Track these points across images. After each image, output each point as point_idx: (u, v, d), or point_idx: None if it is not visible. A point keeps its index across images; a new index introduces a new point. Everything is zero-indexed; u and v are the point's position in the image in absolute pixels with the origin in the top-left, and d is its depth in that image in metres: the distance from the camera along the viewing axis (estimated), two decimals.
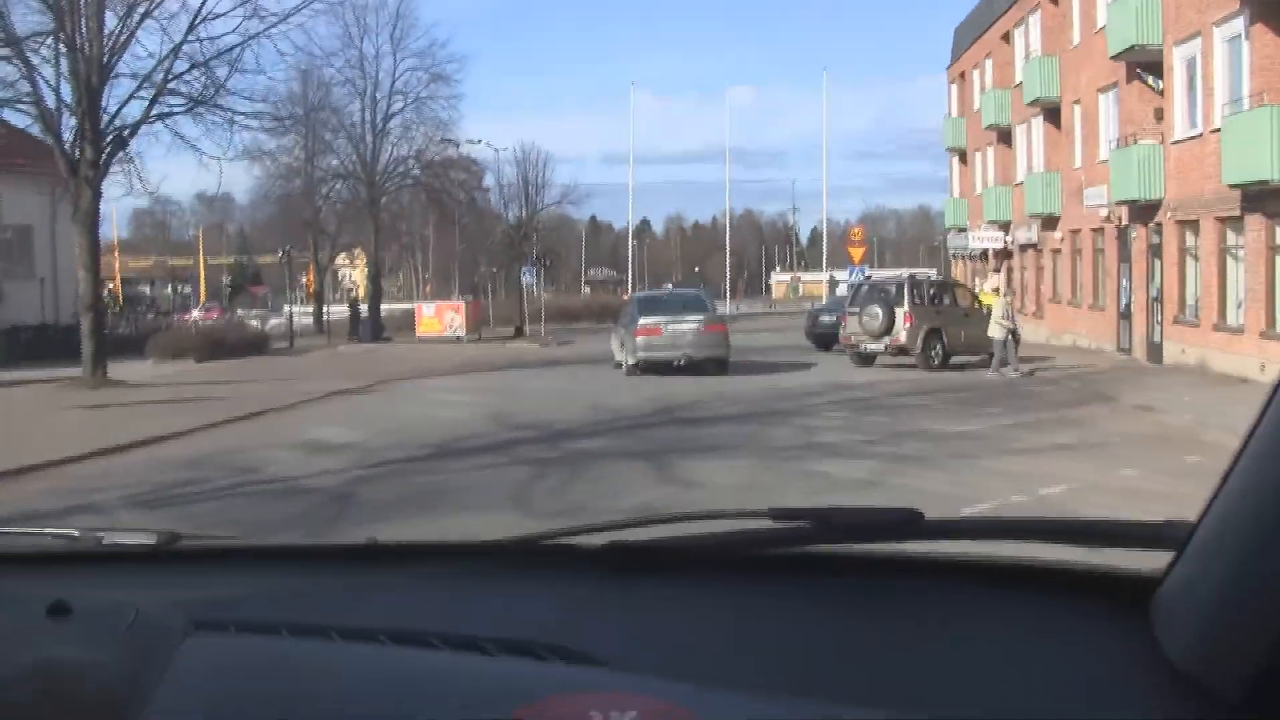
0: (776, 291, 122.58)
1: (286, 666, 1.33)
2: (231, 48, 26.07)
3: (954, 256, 56.21)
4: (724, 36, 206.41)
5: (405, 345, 45.58)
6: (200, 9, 25.42)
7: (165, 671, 1.27)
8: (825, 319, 36.39)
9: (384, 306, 53.90)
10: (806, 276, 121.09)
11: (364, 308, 51.71)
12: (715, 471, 13.14)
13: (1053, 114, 37.75)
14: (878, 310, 28.38)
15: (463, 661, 1.30)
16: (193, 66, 26.04)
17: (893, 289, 29.76)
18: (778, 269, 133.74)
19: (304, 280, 60.78)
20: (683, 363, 27.19)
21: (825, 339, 35.78)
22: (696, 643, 1.39)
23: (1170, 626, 1.15)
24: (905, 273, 34.65)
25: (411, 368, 32.38)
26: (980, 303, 31.60)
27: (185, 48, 25.73)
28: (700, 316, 28.30)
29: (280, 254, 54.98)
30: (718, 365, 27.56)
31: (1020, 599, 1.40)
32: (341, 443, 16.98)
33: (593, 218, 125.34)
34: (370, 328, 49.49)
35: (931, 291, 30.65)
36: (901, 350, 28.43)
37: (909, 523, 1.43)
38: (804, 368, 29.98)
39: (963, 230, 52.40)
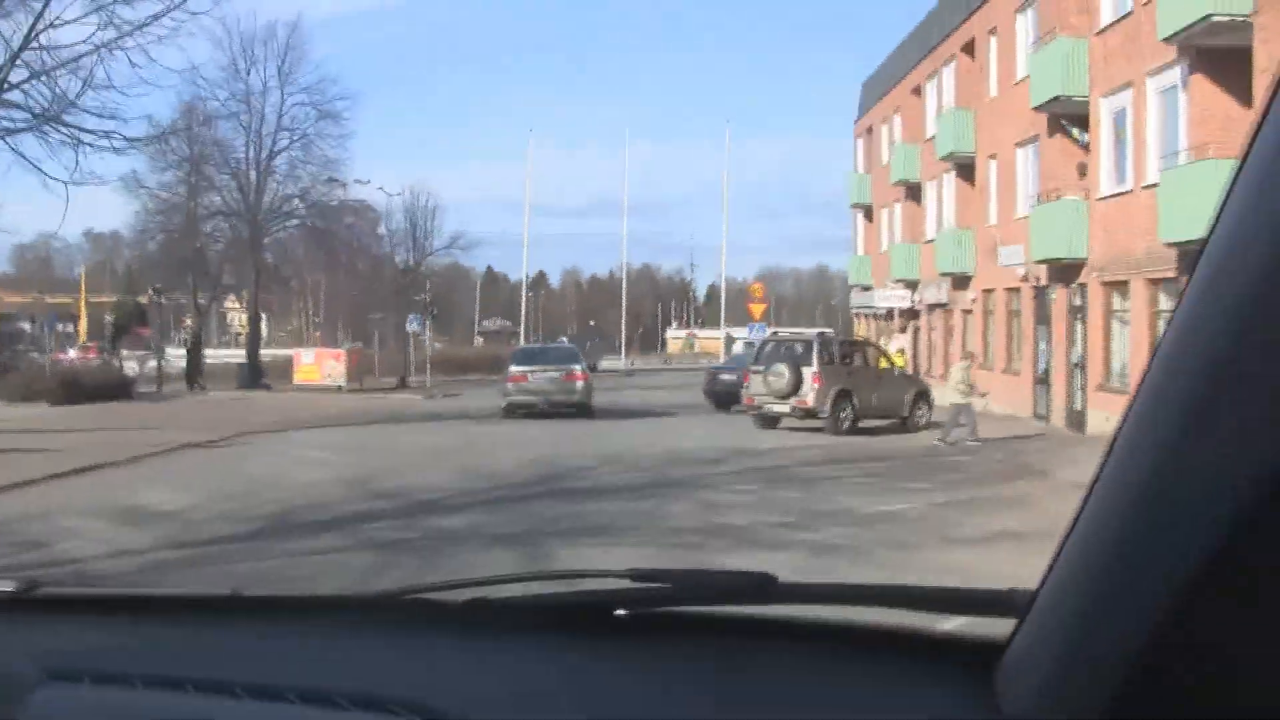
0: (671, 347, 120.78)
1: (139, 719, 1.29)
2: (79, 57, 22.99)
3: (856, 315, 54.45)
4: (626, 87, 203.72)
5: (283, 394, 42.51)
6: (42, 11, 22.35)
7: None
8: (725, 377, 34.02)
9: (270, 351, 50.55)
10: (702, 333, 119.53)
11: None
12: (602, 565, 10.43)
13: (966, 169, 36.10)
14: (784, 369, 26.09)
15: (316, 716, 1.28)
16: (33, 76, 22.96)
17: (799, 347, 27.65)
18: (674, 325, 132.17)
19: (187, 322, 57.50)
20: (544, 406, 29.90)
21: (725, 398, 33.53)
22: (551, 704, 1.38)
23: (1013, 690, 1.15)
24: (814, 331, 32.31)
25: (279, 418, 29.54)
26: (892, 363, 29.49)
27: (27, 55, 22.68)
28: (564, 367, 31.31)
29: (150, 293, 51.54)
30: (578, 409, 30.15)
31: (870, 662, 1.40)
32: (166, 510, 14.32)
33: (489, 268, 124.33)
34: (248, 373, 46.35)
35: (841, 351, 28.51)
36: (809, 413, 26.19)
37: (763, 586, 1.45)
38: (703, 429, 27.56)
39: (867, 289, 50.67)
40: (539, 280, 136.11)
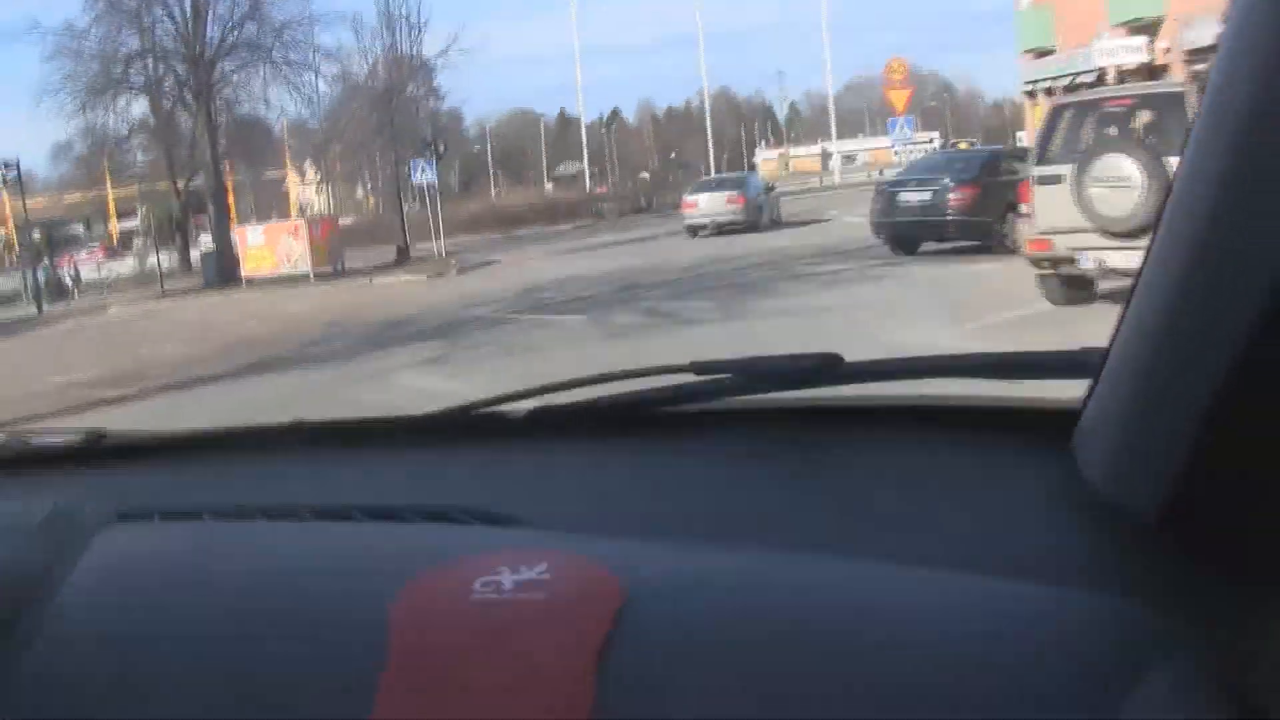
0: (763, 170, 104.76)
1: (208, 548, 1.28)
2: None
3: (1030, 95, 38.24)
4: None
5: (243, 294, 28.37)
6: None
7: (79, 560, 1.20)
8: (911, 198, 18.99)
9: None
10: (796, 151, 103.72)
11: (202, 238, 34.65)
12: None
13: None
14: (1131, 166, 10.83)
15: (383, 530, 1.26)
16: None
17: (1118, 125, 12.22)
18: (762, 145, 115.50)
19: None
20: (713, 227, 31.49)
21: (910, 235, 19.37)
22: (617, 500, 1.35)
23: (1090, 454, 1.11)
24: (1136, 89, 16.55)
25: (136, 360, 16.31)
26: None
27: None
28: (725, 193, 32.55)
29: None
30: (745, 226, 30.89)
31: (944, 437, 1.34)
32: None
33: (561, 111, 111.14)
34: (215, 265, 32.54)
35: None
36: None
37: (829, 367, 1.39)
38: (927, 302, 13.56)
39: (1045, 53, 34.70)
40: (613, 118, 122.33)
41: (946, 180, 18.77)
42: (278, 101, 36.76)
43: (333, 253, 31.08)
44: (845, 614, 0.94)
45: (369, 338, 16.34)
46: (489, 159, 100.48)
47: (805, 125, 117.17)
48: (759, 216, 31.96)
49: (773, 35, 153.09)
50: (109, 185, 51.14)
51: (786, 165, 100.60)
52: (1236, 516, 0.93)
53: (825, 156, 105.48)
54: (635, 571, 1.00)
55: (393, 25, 37.19)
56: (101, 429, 1.76)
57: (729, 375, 1.43)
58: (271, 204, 66.22)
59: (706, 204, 32.34)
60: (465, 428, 1.63)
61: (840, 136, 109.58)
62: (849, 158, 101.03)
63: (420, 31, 38.59)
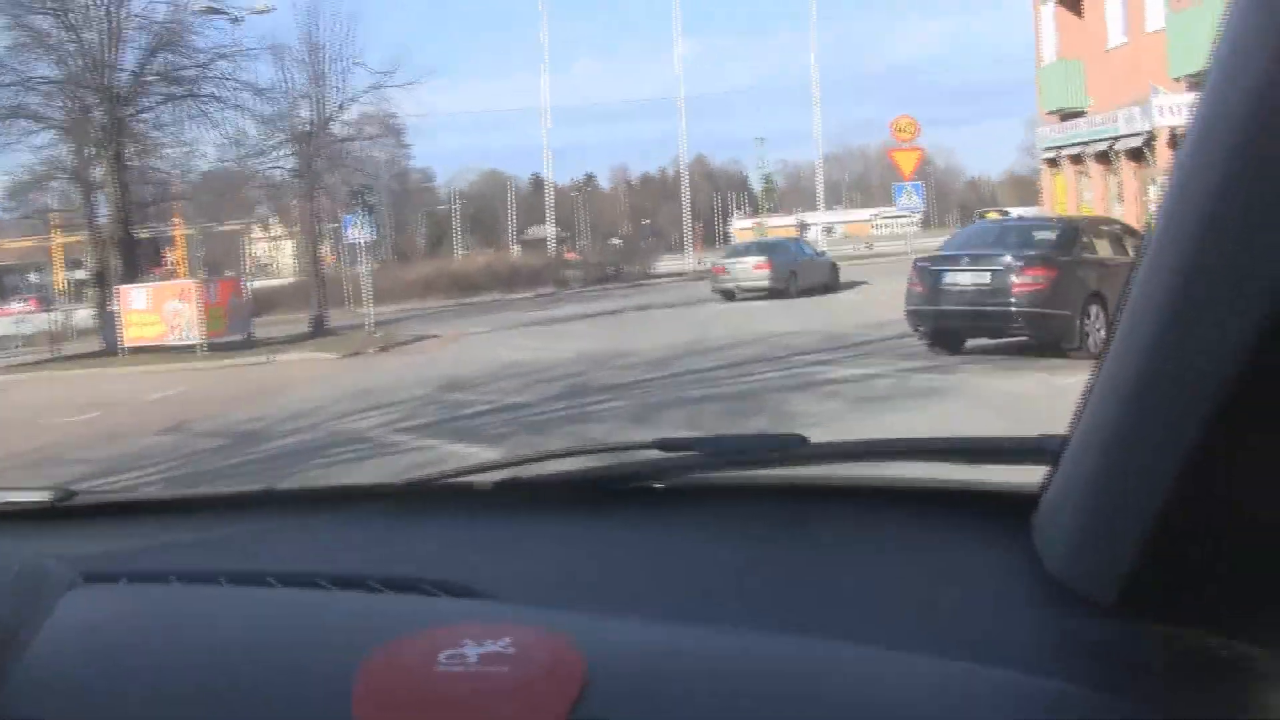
0: (738, 240, 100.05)
1: (175, 612, 1.28)
2: None
3: (1051, 163, 33.45)
4: None
5: (114, 368, 23.11)
6: None
7: (45, 621, 1.17)
8: (962, 280, 14.04)
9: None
10: (773, 222, 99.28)
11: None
12: None
13: None
14: None
15: (349, 599, 1.26)
16: None
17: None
18: (737, 214, 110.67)
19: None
20: (739, 292, 30.93)
21: (959, 329, 14.46)
22: (580, 574, 1.34)
23: (1048, 537, 1.13)
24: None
25: None
26: None
27: None
28: (752, 259, 32.30)
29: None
30: (769, 292, 30.25)
31: (905, 520, 1.35)
32: None
33: (534, 174, 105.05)
34: (110, 329, 27.04)
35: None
36: None
37: (794, 446, 1.41)
38: None
39: (1074, 115, 30.08)
40: (587, 182, 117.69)
41: (1010, 258, 13.75)
42: (196, 142, 30.06)
43: (235, 319, 25.83)
44: (804, 693, 0.94)
45: (182, 454, 11.18)
46: (454, 219, 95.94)
47: (780, 196, 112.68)
48: (787, 283, 30.85)
49: (750, 103, 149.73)
50: (53, 232, 45.84)
51: (763, 235, 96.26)
52: (1193, 600, 0.93)
53: (803, 227, 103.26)
54: (599, 648, 1.00)
55: (316, 53, 31.26)
56: (71, 487, 1.74)
57: (695, 453, 1.45)
58: (227, 259, 61.16)
59: (735, 269, 31.98)
60: (432, 497, 1.64)
61: (816, 208, 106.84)
62: (827, 229, 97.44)
63: (347, 65, 32.17)
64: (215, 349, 24.11)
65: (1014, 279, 13.36)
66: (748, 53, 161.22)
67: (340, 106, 29.66)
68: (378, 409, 13.33)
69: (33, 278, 70.48)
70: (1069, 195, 31.72)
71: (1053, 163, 33.12)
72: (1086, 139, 29.43)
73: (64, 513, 1.72)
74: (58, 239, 51.61)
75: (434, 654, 0.97)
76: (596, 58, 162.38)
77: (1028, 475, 1.22)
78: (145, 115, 30.49)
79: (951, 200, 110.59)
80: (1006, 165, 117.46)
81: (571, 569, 1.35)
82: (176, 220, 41.70)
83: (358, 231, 28.54)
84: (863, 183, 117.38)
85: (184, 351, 23.84)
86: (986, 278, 13.67)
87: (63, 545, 1.54)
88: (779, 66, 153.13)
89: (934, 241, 33.37)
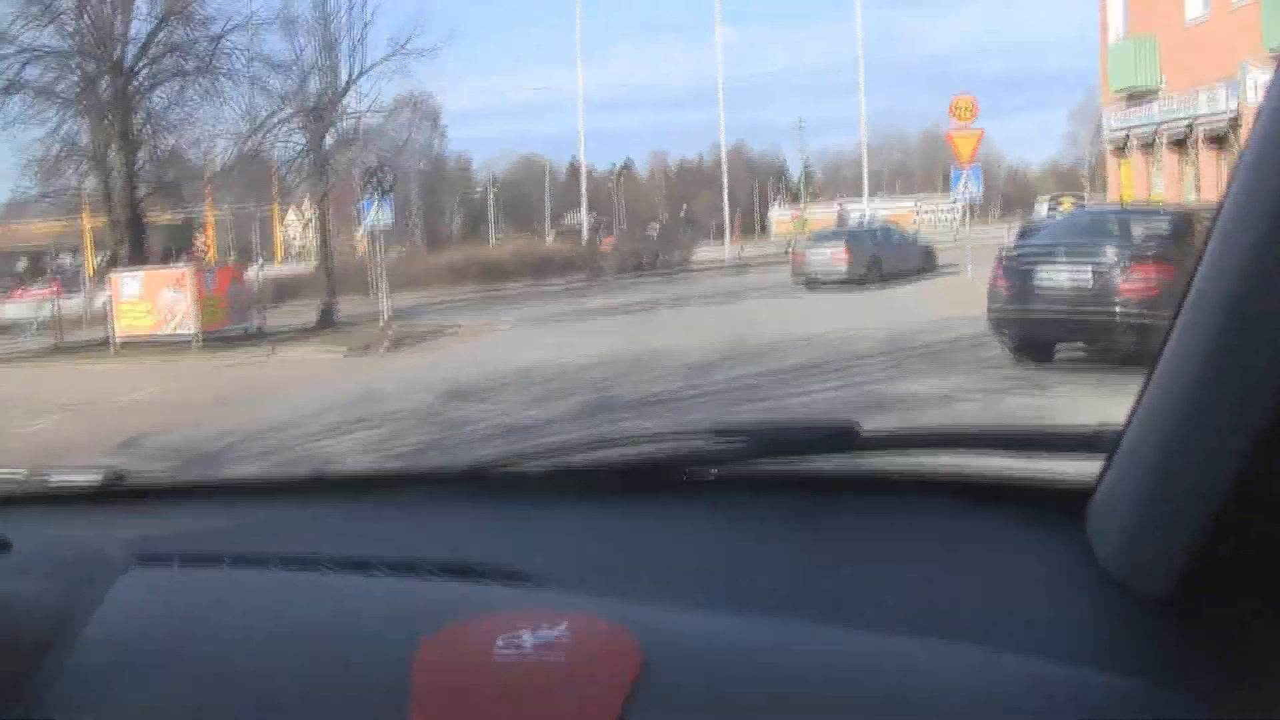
0: (777, 230, 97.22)
1: (226, 596, 1.28)
2: None
3: (1120, 148, 30.97)
4: None
5: (102, 363, 21.20)
6: None
7: (100, 603, 1.22)
8: (1058, 278, 11.78)
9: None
10: (813, 211, 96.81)
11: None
12: None
13: None
14: None
15: (402, 585, 1.26)
16: None
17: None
18: (776, 204, 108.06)
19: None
20: (820, 279, 29.34)
21: (1053, 336, 12.15)
22: (633, 561, 1.33)
23: (1102, 533, 1.12)
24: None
25: None
26: None
27: None
28: (831, 246, 30.88)
29: None
30: (849, 280, 28.59)
31: (958, 511, 1.33)
32: None
33: (571, 161, 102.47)
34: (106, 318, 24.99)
35: None
36: None
37: (845, 435, 1.40)
38: None
39: (1142, 96, 27.70)
40: (625, 169, 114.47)
41: (1115, 253, 11.52)
42: (214, 120, 27.66)
43: (237, 309, 23.88)
44: (856, 682, 0.96)
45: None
46: (489, 205, 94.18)
47: (819, 185, 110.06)
48: (866, 271, 29.34)
49: (789, 90, 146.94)
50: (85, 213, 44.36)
51: (804, 225, 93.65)
52: (1248, 597, 0.93)
53: (843, 217, 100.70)
54: (653, 636, 1.00)
55: (327, 21, 28.59)
56: (121, 469, 1.72)
57: (747, 440, 1.43)
58: (260, 243, 59.36)
59: (812, 257, 31.00)
60: (483, 483, 1.60)
61: (858, 196, 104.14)
62: (869, 218, 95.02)
63: (362, 34, 28.81)
64: (215, 342, 22.17)
65: (1121, 279, 11.13)
66: (785, 40, 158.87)
67: (352, 78, 27.20)
68: (365, 425, 11.27)
69: (66, 260, 69.69)
70: (1138, 184, 29.29)
71: (1120, 149, 30.68)
72: (1160, 120, 27.01)
73: (114, 495, 1.70)
74: (87, 221, 50.07)
75: (491, 640, 0.97)
76: (636, 43, 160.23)
77: (1081, 467, 1.18)
78: (158, 90, 28.44)
79: (995, 191, 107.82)
80: (1047, 156, 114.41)
81: (623, 557, 1.33)
82: (207, 203, 39.88)
83: (376, 215, 26.66)
84: (903, 170, 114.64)
85: (179, 345, 21.92)
86: (1087, 275, 11.45)
87: (114, 528, 1.54)
88: (817, 54, 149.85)
89: (985, 233, 31.20)
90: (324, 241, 29.61)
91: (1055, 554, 1.15)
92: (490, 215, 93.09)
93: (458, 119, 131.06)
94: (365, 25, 28.83)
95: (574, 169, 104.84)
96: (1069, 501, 1.18)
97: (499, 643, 0.97)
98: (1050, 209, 45.11)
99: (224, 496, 1.76)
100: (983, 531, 1.27)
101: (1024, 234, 20.78)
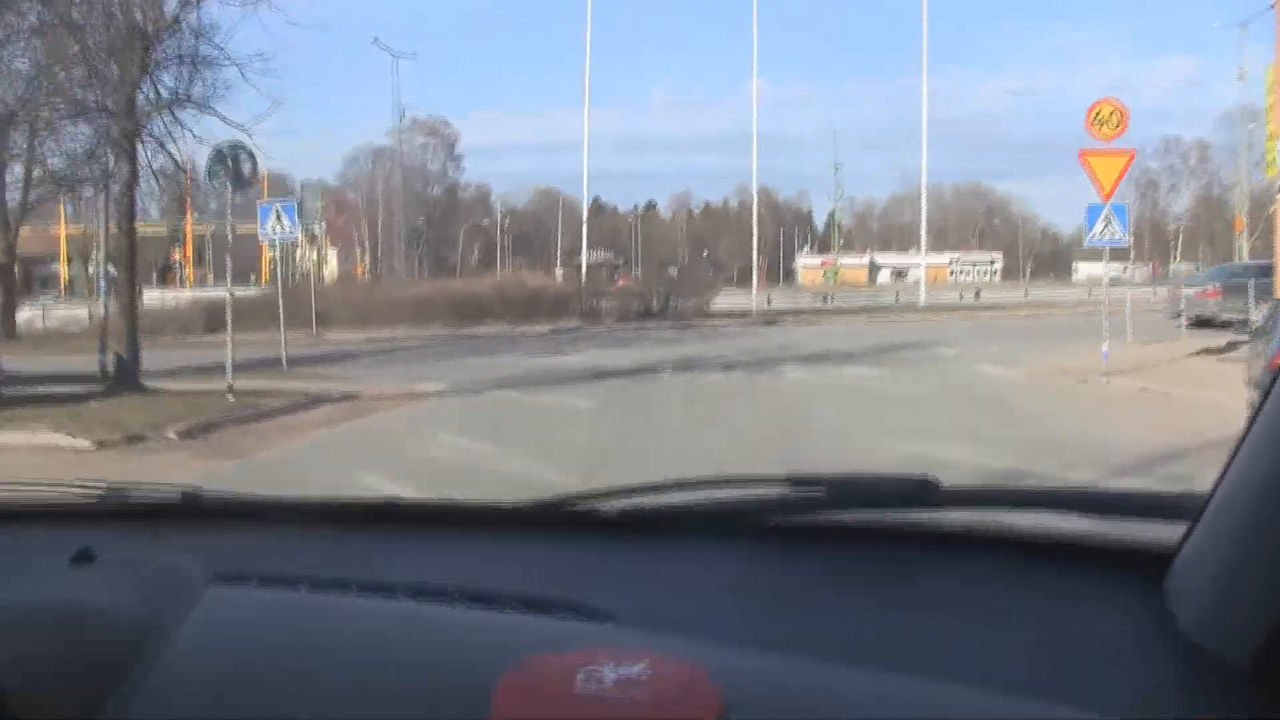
0: (803, 279, 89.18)
1: (305, 618, 1.28)
2: None
3: None
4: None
5: None
6: None
7: (185, 619, 1.21)
8: None
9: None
10: (845, 260, 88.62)
11: None
12: None
13: None
14: None
15: (479, 616, 1.25)
16: None
17: None
18: (804, 250, 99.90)
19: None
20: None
21: None
22: (711, 605, 1.32)
23: (1183, 598, 1.11)
24: None
25: None
26: None
27: None
28: (1199, 285, 29.38)
29: None
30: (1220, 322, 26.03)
31: (1036, 569, 1.31)
32: None
33: (595, 199, 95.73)
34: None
35: None
36: None
37: (923, 490, 1.37)
38: None
39: None
40: (648, 209, 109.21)
41: None
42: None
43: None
44: None
45: None
46: (498, 236, 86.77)
47: (848, 234, 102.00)
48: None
49: (819, 140, 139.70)
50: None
51: (835, 274, 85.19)
52: None
53: (874, 269, 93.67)
54: (732, 679, 0.99)
55: None
56: (197, 487, 1.71)
57: (824, 491, 1.41)
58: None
59: (1185, 295, 28.04)
60: (558, 520, 1.59)
61: (886, 249, 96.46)
62: (899, 272, 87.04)
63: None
64: None
65: None
66: (822, 93, 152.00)
67: (176, 19, 17.62)
68: None
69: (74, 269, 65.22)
70: None
71: None
72: None
73: (192, 513, 1.69)
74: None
75: (572, 674, 0.96)
76: (667, 87, 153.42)
77: (1160, 531, 1.18)
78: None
79: (1028, 251, 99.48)
80: (1075, 222, 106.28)
81: (701, 599, 1.31)
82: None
83: (276, 223, 18.58)
84: (934, 226, 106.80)
85: None
86: None
87: (192, 545, 1.53)
88: (849, 107, 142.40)
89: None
90: (105, 255, 20.10)
91: (1135, 617, 1.12)
92: (500, 245, 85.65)
93: (477, 152, 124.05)
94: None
95: (596, 206, 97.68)
96: (1150, 565, 1.16)
97: (580, 676, 0.95)
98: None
99: (298, 518, 1.70)
100: (1062, 591, 1.23)
101: None
